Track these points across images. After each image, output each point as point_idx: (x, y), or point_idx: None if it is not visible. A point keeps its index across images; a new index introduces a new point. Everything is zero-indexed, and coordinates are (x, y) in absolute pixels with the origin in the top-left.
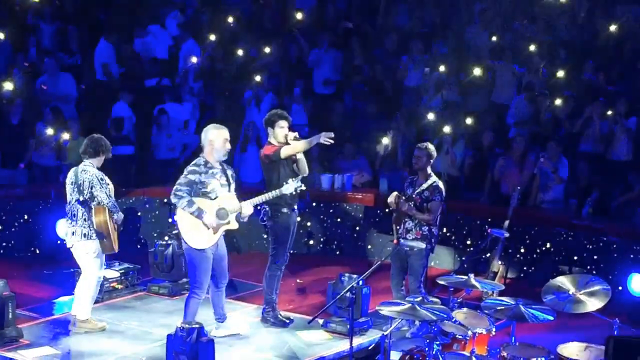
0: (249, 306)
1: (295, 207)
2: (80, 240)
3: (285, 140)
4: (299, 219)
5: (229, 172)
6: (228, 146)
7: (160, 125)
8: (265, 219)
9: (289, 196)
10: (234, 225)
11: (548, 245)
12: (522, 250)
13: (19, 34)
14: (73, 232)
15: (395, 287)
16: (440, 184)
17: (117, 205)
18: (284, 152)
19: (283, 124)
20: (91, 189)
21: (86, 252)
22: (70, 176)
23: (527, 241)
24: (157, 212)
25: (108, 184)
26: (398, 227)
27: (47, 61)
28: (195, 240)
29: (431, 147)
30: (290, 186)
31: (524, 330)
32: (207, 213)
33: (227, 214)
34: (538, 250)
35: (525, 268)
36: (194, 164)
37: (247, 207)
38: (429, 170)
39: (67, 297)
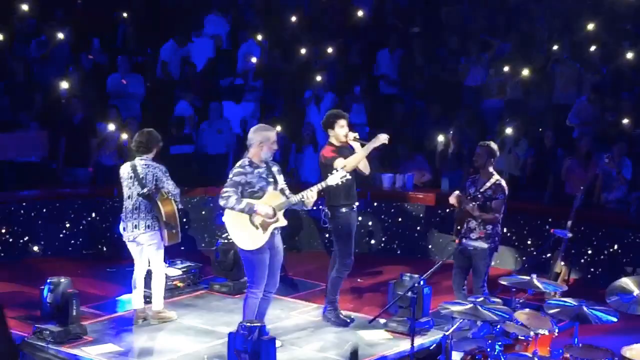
0: (309, 305)
1: (355, 206)
2: (145, 232)
3: (345, 139)
4: (360, 218)
5: (275, 169)
6: (276, 147)
7: (211, 121)
8: (326, 220)
9: (344, 194)
10: (283, 222)
11: (612, 245)
12: (586, 251)
13: (82, 34)
14: (136, 225)
15: (457, 287)
16: (503, 182)
17: (179, 196)
18: (339, 164)
19: (342, 122)
20: (156, 181)
21: (150, 244)
22: (128, 171)
23: (591, 242)
24: (220, 211)
25: None
26: (460, 227)
27: (119, 59)
28: (245, 241)
29: (493, 145)
30: (336, 176)
31: (587, 331)
32: (258, 204)
33: (274, 211)
34: (602, 251)
35: (588, 269)
36: (239, 165)
37: (311, 195)
38: (490, 169)
39: (130, 294)
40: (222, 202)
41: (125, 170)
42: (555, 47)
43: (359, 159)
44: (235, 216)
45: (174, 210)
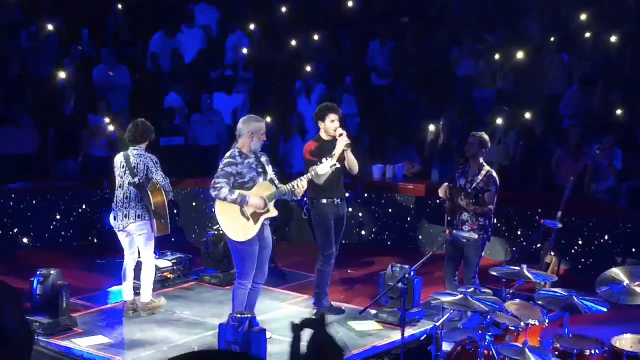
0: (300, 296)
1: (340, 199)
2: (135, 221)
3: (334, 134)
4: (350, 209)
5: (264, 159)
6: (265, 138)
7: (202, 111)
8: (307, 212)
9: (327, 186)
10: (274, 213)
11: (602, 236)
12: (576, 242)
13: (70, 24)
14: (126, 215)
15: (448, 278)
16: (495, 174)
17: (170, 186)
18: (313, 174)
19: (333, 117)
20: (146, 171)
21: (140, 234)
22: (120, 161)
23: (581, 232)
24: (210, 203)
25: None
26: (450, 218)
27: (104, 51)
28: (236, 233)
29: (485, 136)
30: (325, 165)
31: (577, 322)
32: (251, 196)
33: (265, 202)
34: (592, 242)
35: (579, 259)
36: (230, 156)
37: (301, 184)
38: (481, 159)
39: (120, 286)
40: (213, 193)
41: (118, 159)
42: (547, 38)
43: (329, 169)
44: (226, 207)
45: (164, 200)
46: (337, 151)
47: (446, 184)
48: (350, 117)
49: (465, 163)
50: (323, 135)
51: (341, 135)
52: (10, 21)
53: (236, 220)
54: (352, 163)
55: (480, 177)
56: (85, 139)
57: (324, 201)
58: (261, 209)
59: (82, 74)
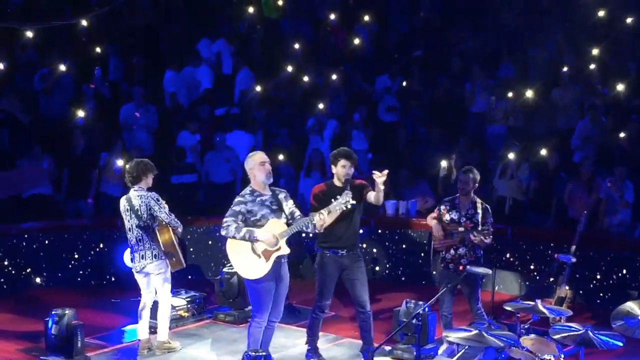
0: None
1: (342, 251)
2: (152, 261)
3: (343, 179)
4: (364, 245)
5: (281, 195)
6: (268, 167)
7: (215, 149)
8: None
9: (329, 236)
10: (285, 250)
11: (617, 269)
12: (590, 275)
13: (83, 64)
14: (142, 256)
15: (447, 312)
16: (487, 206)
17: (177, 220)
18: (315, 217)
19: (344, 162)
20: (149, 211)
21: (158, 273)
22: (123, 204)
23: (595, 266)
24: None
25: (163, 202)
26: (442, 252)
27: (135, 90)
28: (248, 271)
29: (476, 171)
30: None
31: (592, 356)
32: (259, 231)
33: (276, 239)
34: (607, 275)
35: (593, 293)
36: (240, 194)
37: (322, 217)
38: (472, 193)
39: (135, 325)
40: (223, 232)
41: (122, 204)
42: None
43: (328, 221)
44: (237, 245)
45: (171, 237)
46: (333, 207)
47: (436, 221)
48: (361, 153)
49: (450, 197)
50: (335, 181)
51: (347, 192)
52: (25, 63)
53: (247, 258)
54: (377, 196)
55: (475, 211)
56: (96, 178)
57: (327, 253)
58: (271, 244)
59: (95, 113)
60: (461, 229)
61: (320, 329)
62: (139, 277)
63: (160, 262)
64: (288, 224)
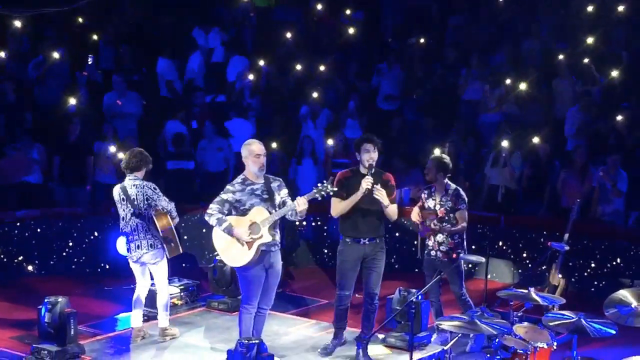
0: (307, 321)
1: (365, 240)
2: (148, 251)
3: (367, 164)
4: None
5: (274, 184)
6: (262, 160)
7: (205, 137)
8: None
9: (349, 225)
10: (267, 238)
11: (609, 258)
12: (583, 264)
13: (77, 53)
14: (138, 246)
15: (436, 299)
16: (462, 191)
17: (175, 210)
18: (333, 208)
19: (367, 146)
20: (147, 200)
21: (154, 262)
22: (119, 193)
23: (588, 254)
24: None
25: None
26: (426, 240)
27: (115, 79)
28: (232, 258)
29: (445, 159)
30: (321, 188)
31: (585, 344)
32: (235, 227)
33: (259, 227)
34: (599, 264)
35: (586, 281)
36: (231, 182)
37: (301, 201)
38: (445, 180)
39: (128, 312)
40: (206, 218)
41: (116, 192)
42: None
43: (344, 207)
44: (222, 233)
45: (169, 222)
46: (356, 197)
47: (417, 207)
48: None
49: (429, 184)
50: (361, 168)
51: (367, 177)
52: (18, 51)
53: (231, 246)
54: (390, 213)
55: (448, 197)
56: (91, 166)
57: (348, 240)
58: (246, 239)
59: (88, 101)
60: (433, 216)
61: (346, 320)
62: (134, 267)
63: (156, 252)
64: None
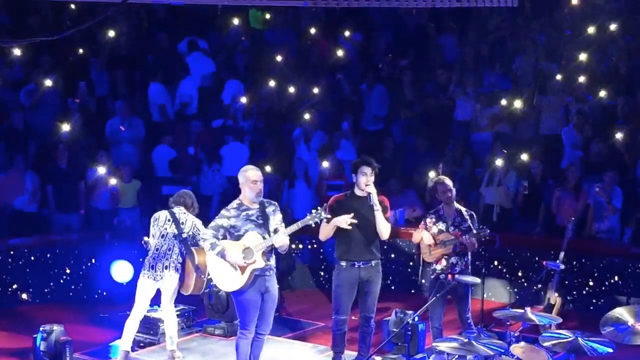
0: (304, 345)
1: (359, 263)
2: (173, 274)
3: (364, 188)
4: None
5: (270, 209)
6: (259, 187)
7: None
8: None
9: (344, 248)
10: (260, 264)
11: (605, 276)
12: (579, 282)
13: (68, 78)
14: (166, 266)
15: (437, 325)
16: (472, 212)
17: None
18: (320, 232)
19: (365, 169)
20: (193, 229)
21: (172, 285)
22: (166, 215)
23: (584, 272)
24: None
25: None
26: (433, 264)
27: (119, 104)
28: (225, 282)
29: (440, 182)
30: (312, 216)
31: None
32: (228, 251)
33: (252, 252)
34: (596, 282)
35: (582, 300)
36: (227, 207)
37: (279, 238)
38: (454, 202)
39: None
40: (200, 243)
41: (162, 214)
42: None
43: (329, 230)
44: (215, 257)
45: (205, 262)
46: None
47: (424, 231)
48: (349, 162)
49: (433, 209)
50: (356, 190)
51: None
52: (10, 78)
53: (225, 271)
54: (381, 226)
55: (462, 218)
56: (83, 192)
57: (342, 264)
58: (239, 263)
59: (81, 127)
60: (452, 238)
61: (344, 344)
62: (147, 287)
63: (177, 276)
64: None
